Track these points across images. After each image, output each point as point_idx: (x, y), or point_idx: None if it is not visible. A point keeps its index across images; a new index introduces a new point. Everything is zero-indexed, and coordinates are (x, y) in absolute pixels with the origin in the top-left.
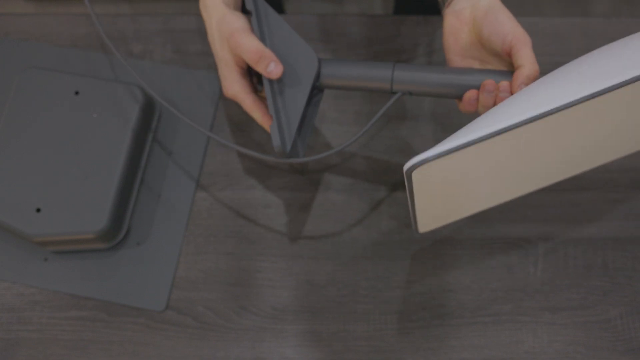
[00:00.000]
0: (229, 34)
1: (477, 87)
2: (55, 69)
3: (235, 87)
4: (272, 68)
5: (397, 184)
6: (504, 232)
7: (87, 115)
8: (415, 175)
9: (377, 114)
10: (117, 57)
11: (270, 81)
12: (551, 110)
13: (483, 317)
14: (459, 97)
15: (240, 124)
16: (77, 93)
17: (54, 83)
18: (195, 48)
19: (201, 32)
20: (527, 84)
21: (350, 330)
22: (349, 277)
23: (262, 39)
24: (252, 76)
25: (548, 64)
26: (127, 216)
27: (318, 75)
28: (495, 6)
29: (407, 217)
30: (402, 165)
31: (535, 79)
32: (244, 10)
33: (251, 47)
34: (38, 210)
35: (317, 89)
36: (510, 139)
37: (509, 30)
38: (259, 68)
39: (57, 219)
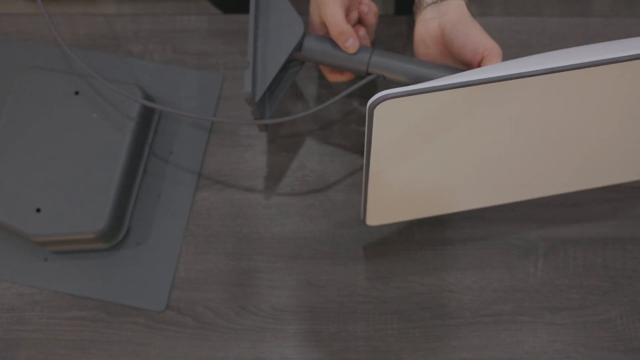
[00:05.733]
0: (321, 2)
1: None
2: (55, 69)
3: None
4: (349, 43)
5: None
6: (504, 232)
7: (87, 115)
8: (378, 111)
9: (348, 90)
10: (69, 54)
11: (255, 34)
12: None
13: (483, 317)
14: None
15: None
16: (77, 93)
17: (54, 83)
18: (195, 48)
19: (201, 32)
20: None
21: (350, 330)
22: (349, 277)
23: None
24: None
25: None
26: (127, 216)
27: (300, 45)
28: (464, 18)
29: None
30: None
31: None
32: None
33: (334, 20)
34: (38, 210)
35: (297, 60)
36: (484, 95)
37: (481, 42)
38: (339, 42)
39: (57, 219)
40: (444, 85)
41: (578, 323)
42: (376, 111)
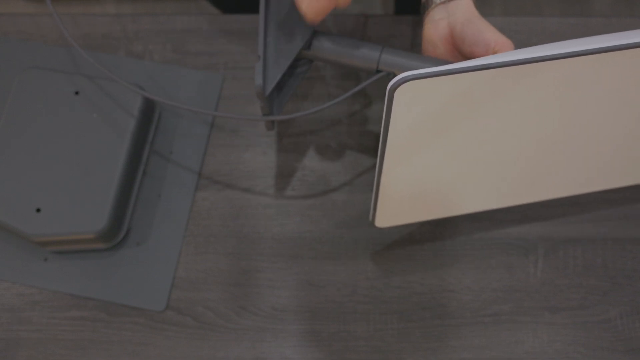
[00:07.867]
0: None
1: None
2: (55, 69)
3: None
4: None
5: None
6: (504, 232)
7: (87, 115)
8: (399, 93)
9: (357, 87)
10: (84, 54)
11: (265, 29)
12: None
13: (483, 317)
14: None
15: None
16: (77, 93)
17: (54, 83)
18: (195, 48)
19: (201, 32)
20: None
21: (350, 330)
22: (349, 277)
23: None
24: None
25: None
26: (127, 216)
27: (309, 44)
28: (472, 17)
29: None
30: None
31: None
32: None
33: None
34: (38, 210)
35: (305, 59)
36: (516, 77)
37: (492, 38)
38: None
39: (57, 219)
40: (475, 66)
41: (578, 323)
42: (397, 94)
